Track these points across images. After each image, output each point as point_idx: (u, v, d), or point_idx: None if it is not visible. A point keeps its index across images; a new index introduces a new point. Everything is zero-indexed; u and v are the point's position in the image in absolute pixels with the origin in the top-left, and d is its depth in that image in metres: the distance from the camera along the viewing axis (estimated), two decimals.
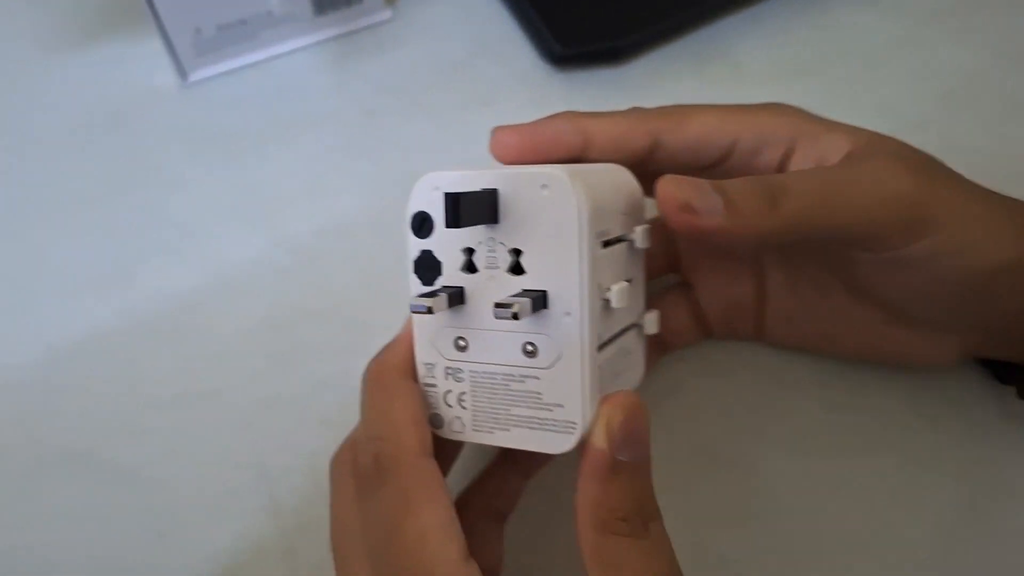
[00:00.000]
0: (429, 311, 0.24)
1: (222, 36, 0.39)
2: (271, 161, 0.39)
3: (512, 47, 0.42)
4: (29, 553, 0.31)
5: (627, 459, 0.24)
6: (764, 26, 0.43)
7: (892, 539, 0.31)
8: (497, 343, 0.25)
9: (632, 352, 0.28)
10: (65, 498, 0.32)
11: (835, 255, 0.30)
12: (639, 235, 0.27)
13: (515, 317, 0.23)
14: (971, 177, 0.28)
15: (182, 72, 0.40)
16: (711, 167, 0.29)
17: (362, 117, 0.41)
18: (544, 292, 0.24)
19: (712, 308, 0.33)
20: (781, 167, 0.29)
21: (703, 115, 0.29)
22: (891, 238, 0.27)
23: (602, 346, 0.25)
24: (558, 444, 0.25)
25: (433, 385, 0.26)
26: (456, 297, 0.25)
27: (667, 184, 0.25)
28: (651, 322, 0.29)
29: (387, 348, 0.27)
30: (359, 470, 0.26)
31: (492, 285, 0.25)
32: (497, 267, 0.25)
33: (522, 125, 0.28)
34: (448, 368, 0.26)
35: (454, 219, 0.23)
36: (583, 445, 0.24)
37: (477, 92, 0.41)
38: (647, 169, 0.29)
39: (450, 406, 0.26)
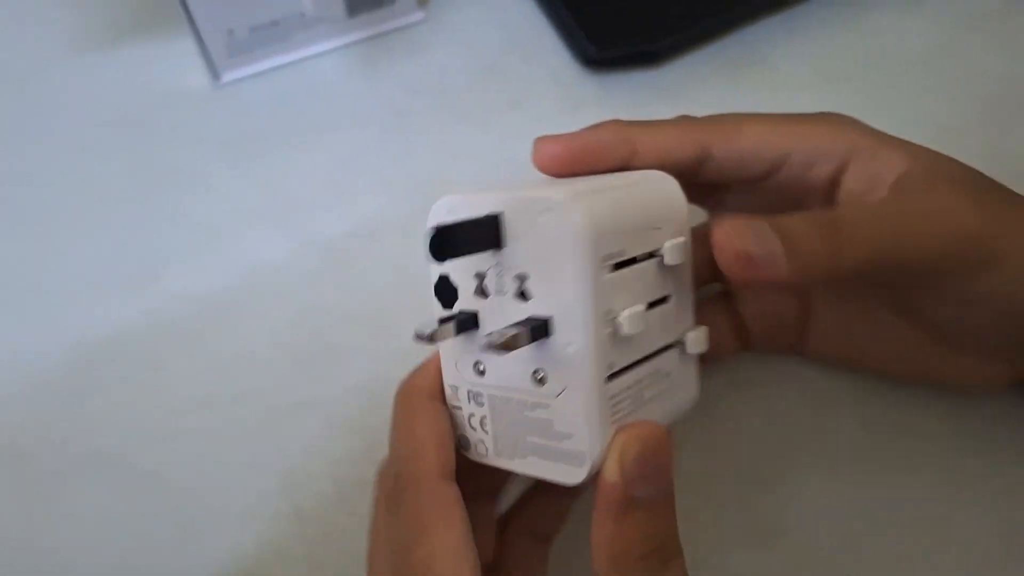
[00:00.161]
0: (429, 340, 0.24)
1: (255, 37, 0.39)
2: (301, 162, 0.39)
3: (545, 49, 0.42)
4: (54, 555, 0.31)
5: (644, 495, 0.22)
6: (801, 30, 0.42)
7: (927, 565, 0.30)
8: (510, 369, 0.25)
9: (672, 373, 0.26)
10: (90, 500, 0.32)
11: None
12: (669, 251, 0.25)
13: (505, 349, 0.22)
14: (1013, 187, 0.27)
15: (215, 73, 0.40)
16: (761, 179, 0.28)
17: (393, 119, 0.40)
18: (548, 319, 0.23)
19: (754, 320, 0.32)
20: (834, 182, 0.27)
21: (755, 125, 0.28)
22: (955, 275, 0.26)
23: (616, 374, 0.24)
24: (570, 475, 0.24)
25: (459, 407, 0.26)
26: (469, 322, 0.25)
27: (723, 232, 0.23)
28: (696, 340, 0.26)
29: (418, 368, 0.27)
30: (385, 489, 0.26)
31: (501, 310, 0.24)
32: (505, 292, 0.24)
33: (565, 135, 0.27)
34: (470, 391, 0.26)
35: (435, 254, 0.22)
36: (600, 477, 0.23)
37: (509, 94, 0.41)
38: (695, 180, 0.28)
39: (474, 429, 0.26)
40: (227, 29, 0.38)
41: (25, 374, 0.34)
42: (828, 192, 0.28)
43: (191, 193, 0.38)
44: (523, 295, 0.24)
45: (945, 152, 0.28)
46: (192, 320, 0.35)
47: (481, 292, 0.25)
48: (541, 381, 0.24)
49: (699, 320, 0.27)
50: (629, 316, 0.23)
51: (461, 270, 0.25)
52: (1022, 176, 0.28)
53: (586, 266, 0.22)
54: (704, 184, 0.29)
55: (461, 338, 0.25)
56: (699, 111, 0.29)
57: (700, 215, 0.33)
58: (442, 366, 0.26)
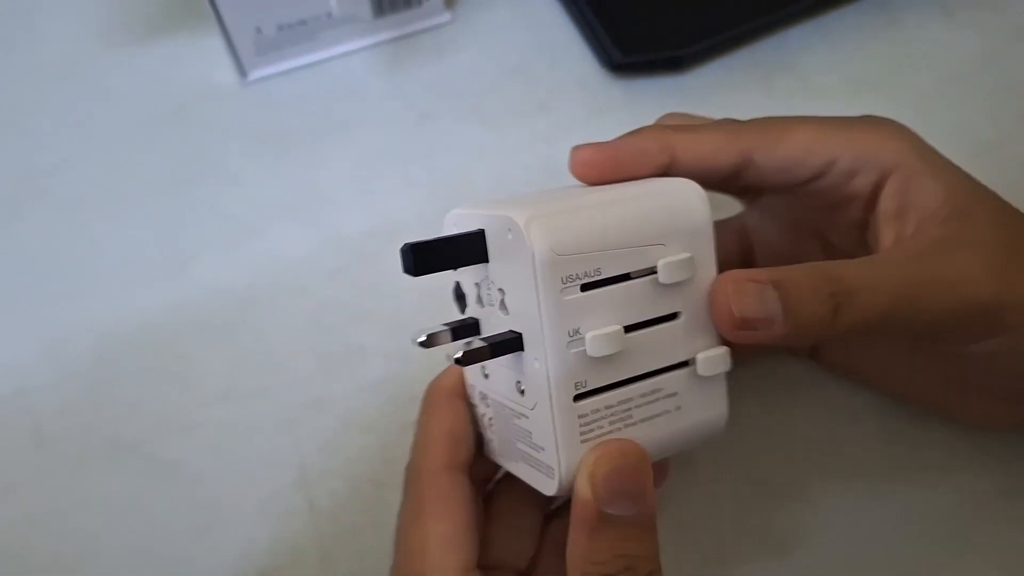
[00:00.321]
0: (423, 345, 0.24)
1: (282, 36, 0.39)
2: (326, 161, 0.39)
3: (572, 53, 0.42)
4: (71, 540, 0.32)
5: (617, 513, 0.22)
6: (833, 37, 0.42)
7: None
8: (502, 377, 0.25)
9: (681, 394, 0.25)
10: (110, 488, 0.33)
11: None
12: (665, 269, 0.24)
13: (458, 363, 0.24)
14: None
15: (242, 70, 0.40)
16: (802, 185, 0.28)
17: (418, 120, 0.40)
18: (520, 334, 0.24)
19: None
20: (874, 193, 0.27)
21: (800, 132, 0.27)
22: (958, 339, 0.25)
23: (591, 392, 0.24)
24: (546, 486, 0.24)
25: (476, 406, 0.27)
26: (471, 329, 0.26)
27: (722, 292, 0.24)
28: (711, 362, 0.25)
29: (448, 368, 0.28)
30: (405, 477, 0.27)
31: (493, 321, 0.25)
32: (493, 304, 0.25)
33: (603, 143, 0.27)
34: (481, 393, 0.27)
35: (406, 269, 0.24)
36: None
37: (535, 98, 0.41)
38: (736, 184, 0.28)
39: (487, 428, 0.27)
40: (255, 27, 0.38)
41: (53, 361, 0.35)
42: (869, 201, 0.27)
43: (218, 188, 0.39)
44: (505, 308, 0.24)
45: (984, 169, 0.27)
46: (215, 313, 0.36)
47: (479, 301, 0.26)
48: (522, 393, 0.24)
49: None
50: (594, 338, 0.23)
51: (467, 279, 0.26)
52: None
53: (542, 287, 0.23)
54: (745, 188, 0.29)
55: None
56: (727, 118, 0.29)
57: (730, 208, 0.33)
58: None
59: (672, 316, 0.25)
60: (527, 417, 0.24)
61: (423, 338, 0.25)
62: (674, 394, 0.25)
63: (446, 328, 0.25)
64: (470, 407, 0.28)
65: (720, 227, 0.32)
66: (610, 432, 0.24)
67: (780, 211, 0.31)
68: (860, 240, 0.29)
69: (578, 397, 0.23)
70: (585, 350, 0.23)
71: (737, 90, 0.40)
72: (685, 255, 0.24)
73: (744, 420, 0.32)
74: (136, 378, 0.35)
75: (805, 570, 0.30)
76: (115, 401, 0.34)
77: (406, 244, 0.24)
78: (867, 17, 0.42)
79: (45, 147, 0.40)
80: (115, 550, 0.32)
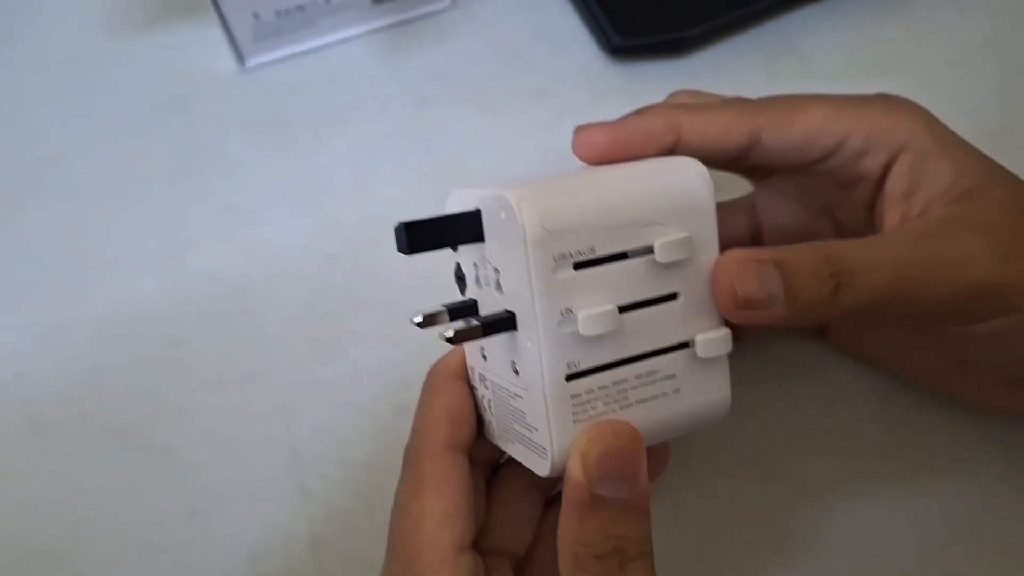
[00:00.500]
0: (420, 325, 0.24)
1: (280, 22, 0.39)
2: (324, 148, 0.39)
3: (572, 38, 0.41)
4: (65, 525, 0.32)
5: (609, 494, 0.22)
6: (837, 20, 0.41)
7: (950, 570, 0.29)
8: (499, 358, 0.25)
9: (680, 376, 0.25)
10: (104, 473, 0.33)
11: None
12: (663, 248, 0.23)
13: (449, 341, 0.23)
14: None
15: (240, 57, 0.40)
16: (812, 164, 0.27)
17: (417, 106, 0.40)
18: (514, 314, 0.24)
19: None
20: (884, 174, 0.26)
21: (811, 111, 0.26)
22: (961, 320, 0.25)
23: (584, 373, 0.23)
24: (539, 467, 0.24)
25: (476, 388, 0.27)
26: (469, 310, 0.25)
27: (725, 271, 0.23)
28: (710, 344, 0.24)
29: (450, 351, 0.28)
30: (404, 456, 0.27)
31: (490, 301, 0.25)
32: (489, 284, 0.25)
33: (608, 123, 0.26)
34: (480, 374, 0.27)
35: (400, 247, 0.24)
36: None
37: (534, 83, 0.40)
38: (744, 163, 0.27)
39: (486, 410, 0.27)
40: (252, 13, 0.38)
41: (50, 348, 0.35)
42: (879, 181, 0.27)
43: (216, 175, 0.39)
44: (500, 288, 0.24)
45: (992, 153, 0.26)
46: (210, 300, 0.36)
47: (477, 282, 0.25)
48: (517, 373, 0.24)
49: None
50: (586, 317, 0.23)
51: (466, 260, 0.26)
52: None
53: (533, 265, 0.22)
54: (753, 167, 0.29)
55: None
56: None
57: (738, 189, 0.32)
58: (466, 348, 0.27)
59: (671, 297, 0.24)
60: (522, 398, 0.24)
61: (420, 318, 0.25)
62: (672, 376, 0.24)
63: (443, 309, 0.25)
64: (471, 389, 0.27)
65: (729, 207, 0.32)
66: (604, 413, 0.24)
67: (790, 191, 0.31)
68: (869, 221, 0.28)
69: (571, 377, 0.23)
70: (578, 329, 0.23)
71: (739, 73, 0.40)
72: (683, 235, 0.24)
73: (742, 403, 0.32)
74: (131, 364, 0.35)
75: (802, 555, 0.29)
76: (110, 387, 0.34)
77: (400, 222, 0.24)
78: (873, 0, 0.42)
79: (46, 137, 0.40)
80: (108, 535, 0.32)
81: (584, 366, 0.23)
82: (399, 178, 0.38)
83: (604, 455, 0.22)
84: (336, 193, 0.38)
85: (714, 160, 0.26)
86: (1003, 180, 0.26)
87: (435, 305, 0.25)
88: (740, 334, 0.31)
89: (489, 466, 0.28)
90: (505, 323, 0.24)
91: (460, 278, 0.27)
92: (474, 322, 0.24)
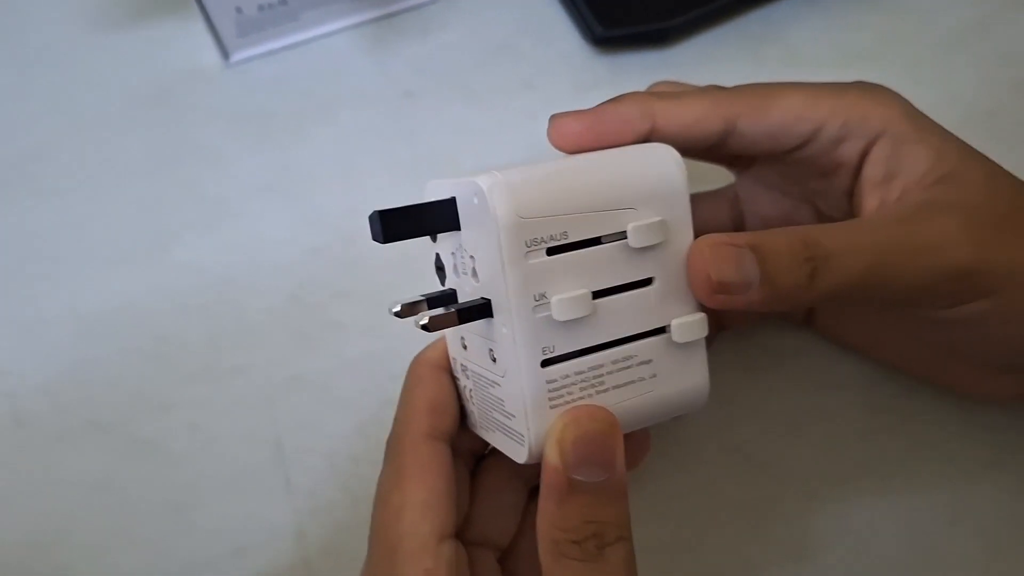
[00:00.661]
0: (398, 315, 0.25)
1: (263, 16, 0.39)
2: (308, 141, 0.39)
3: (556, 30, 0.41)
4: (46, 519, 0.32)
5: (585, 479, 0.22)
6: (822, 9, 0.41)
7: (935, 556, 0.29)
8: (477, 346, 0.25)
9: (656, 362, 0.25)
10: (87, 466, 0.33)
11: None
12: (635, 233, 0.23)
13: (424, 328, 0.23)
14: None
15: (224, 52, 0.40)
16: (789, 152, 0.27)
17: (402, 99, 0.40)
18: (489, 301, 0.24)
19: None
20: (861, 159, 0.26)
21: (787, 99, 0.26)
22: (937, 303, 0.25)
23: (560, 359, 0.23)
24: (518, 454, 0.24)
25: (458, 378, 0.27)
26: (448, 299, 0.26)
27: (700, 255, 0.23)
28: (686, 328, 0.24)
29: (434, 341, 0.28)
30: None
31: (467, 289, 0.25)
32: (467, 273, 0.25)
33: (583, 112, 0.26)
34: (462, 365, 0.27)
35: (375, 236, 0.24)
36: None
37: (519, 75, 0.40)
38: (721, 151, 0.27)
39: (468, 400, 0.27)
40: (235, 8, 0.38)
41: (33, 341, 0.35)
42: (857, 168, 0.27)
43: (199, 169, 0.38)
44: (476, 275, 0.24)
45: (976, 139, 0.26)
46: (195, 292, 0.36)
47: (455, 271, 0.26)
48: (494, 360, 0.24)
49: None
50: (559, 301, 0.23)
51: (445, 250, 0.26)
52: None
53: (506, 250, 0.22)
54: (730, 156, 0.28)
55: None
56: None
57: (720, 180, 0.32)
58: (447, 339, 0.27)
59: (646, 282, 0.24)
60: (499, 385, 0.24)
61: (397, 308, 0.25)
62: (648, 361, 0.24)
63: (422, 298, 0.25)
64: (453, 380, 0.27)
65: (712, 197, 0.32)
66: (580, 399, 0.24)
67: (771, 180, 0.31)
68: (849, 209, 0.28)
69: (546, 363, 0.23)
70: (551, 314, 0.23)
71: (724, 63, 0.40)
72: (656, 219, 0.24)
73: (726, 389, 0.32)
74: (114, 357, 0.34)
75: (786, 542, 0.29)
76: (93, 380, 0.34)
77: (375, 211, 0.24)
78: None
79: (28, 131, 0.40)
80: (92, 528, 0.32)
81: (559, 351, 0.23)
82: (384, 171, 0.38)
83: (580, 439, 0.22)
84: (321, 186, 0.38)
85: (690, 148, 0.26)
86: (980, 165, 0.26)
87: (414, 295, 0.25)
88: (724, 323, 0.31)
89: (473, 457, 0.28)
90: (480, 310, 0.24)
91: (440, 268, 0.27)
92: (450, 309, 0.23)
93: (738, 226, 0.32)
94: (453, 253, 0.25)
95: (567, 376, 0.23)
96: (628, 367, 0.24)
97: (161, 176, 0.38)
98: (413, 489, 0.24)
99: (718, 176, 0.33)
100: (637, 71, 0.40)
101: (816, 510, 0.30)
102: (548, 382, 0.23)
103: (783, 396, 0.32)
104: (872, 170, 0.26)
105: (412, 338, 0.28)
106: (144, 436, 0.33)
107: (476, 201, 0.23)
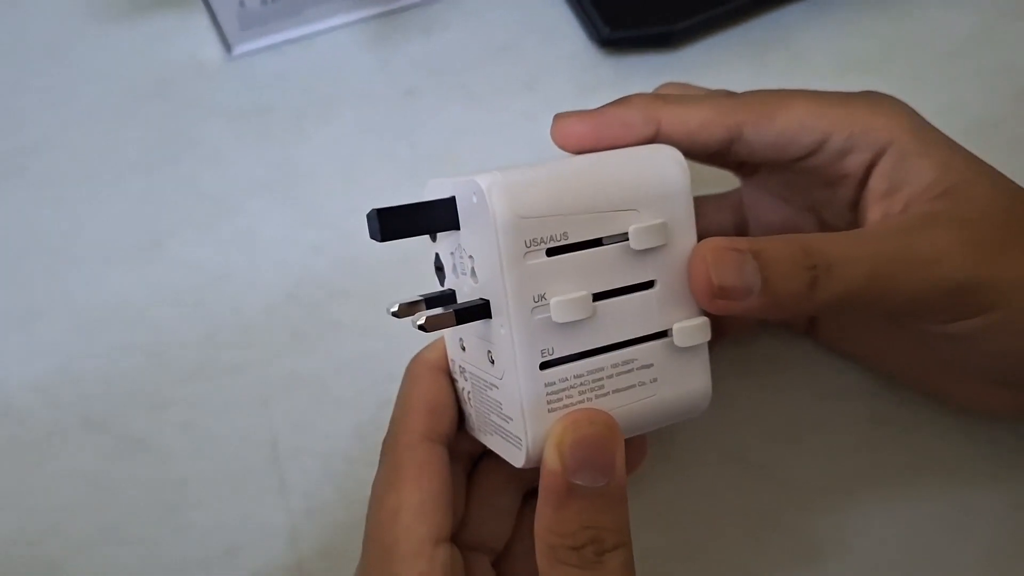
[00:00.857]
0: (395, 315, 0.24)
1: (267, 10, 0.39)
2: (309, 137, 0.39)
3: (561, 30, 0.41)
4: (37, 515, 0.31)
5: (584, 483, 0.22)
6: (828, 15, 0.41)
7: (935, 569, 0.28)
8: (476, 347, 0.25)
9: (657, 366, 0.24)
10: (79, 464, 0.32)
11: None
12: (636, 235, 0.23)
13: (421, 328, 0.23)
14: None
15: (226, 45, 0.40)
16: (795, 162, 0.27)
17: (403, 97, 0.40)
18: (487, 301, 0.23)
19: None
20: (867, 171, 0.26)
21: (793, 108, 0.26)
22: (936, 317, 0.25)
23: (559, 361, 0.23)
24: (516, 458, 0.24)
25: (456, 380, 0.27)
26: (447, 300, 0.25)
27: (701, 259, 0.23)
28: (687, 332, 0.24)
29: (433, 342, 0.28)
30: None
31: (466, 290, 0.24)
32: (466, 273, 0.24)
33: (587, 112, 0.26)
34: (460, 366, 0.26)
35: (372, 234, 0.24)
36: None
37: (522, 75, 0.40)
38: (725, 158, 0.27)
39: (466, 402, 0.27)
40: (238, 1, 0.38)
41: (26, 336, 0.34)
42: (862, 181, 0.27)
43: (198, 164, 0.38)
44: (475, 275, 0.24)
45: (978, 149, 0.26)
46: (191, 289, 0.35)
47: (454, 271, 0.25)
48: (492, 362, 0.24)
49: None
50: (559, 303, 0.22)
51: (444, 250, 0.26)
52: None
53: (504, 250, 0.22)
54: (734, 162, 0.28)
55: None
56: None
57: (725, 183, 0.32)
58: (446, 340, 0.27)
59: (647, 285, 0.24)
60: (497, 387, 0.24)
61: (395, 308, 0.25)
62: (649, 365, 0.24)
63: (420, 299, 0.25)
64: (451, 381, 0.27)
65: (716, 201, 0.32)
66: (580, 403, 0.23)
67: (776, 188, 0.30)
68: (853, 220, 0.28)
69: (545, 365, 0.23)
70: (551, 316, 0.22)
71: (729, 68, 0.40)
72: (658, 221, 0.23)
73: (728, 398, 0.32)
74: (108, 354, 0.34)
75: (786, 551, 0.29)
76: (86, 377, 0.34)
77: (373, 209, 0.23)
78: None
79: (26, 124, 0.39)
80: (84, 526, 0.31)
81: (558, 354, 0.23)
82: (384, 169, 0.38)
83: (579, 443, 0.22)
84: (320, 183, 0.38)
85: (694, 154, 0.26)
86: (987, 178, 0.26)
87: (412, 295, 0.25)
88: (724, 331, 0.31)
89: (469, 460, 0.28)
90: (479, 310, 0.23)
91: (439, 268, 0.26)
92: (447, 310, 0.23)
93: (741, 231, 0.32)
94: (452, 253, 0.25)
95: (566, 379, 0.23)
96: (629, 371, 0.24)
97: (159, 171, 0.38)
98: (409, 492, 0.24)
99: (723, 180, 0.33)
100: (641, 74, 0.40)
101: (816, 520, 0.30)
102: (546, 385, 0.23)
103: (785, 405, 0.31)
104: (877, 183, 0.26)
105: (410, 339, 0.27)
106: (138, 434, 0.32)
107: (475, 200, 0.23)
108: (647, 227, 0.23)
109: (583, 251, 0.23)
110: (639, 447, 0.27)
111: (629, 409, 0.24)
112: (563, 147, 0.26)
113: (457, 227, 0.24)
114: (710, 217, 0.31)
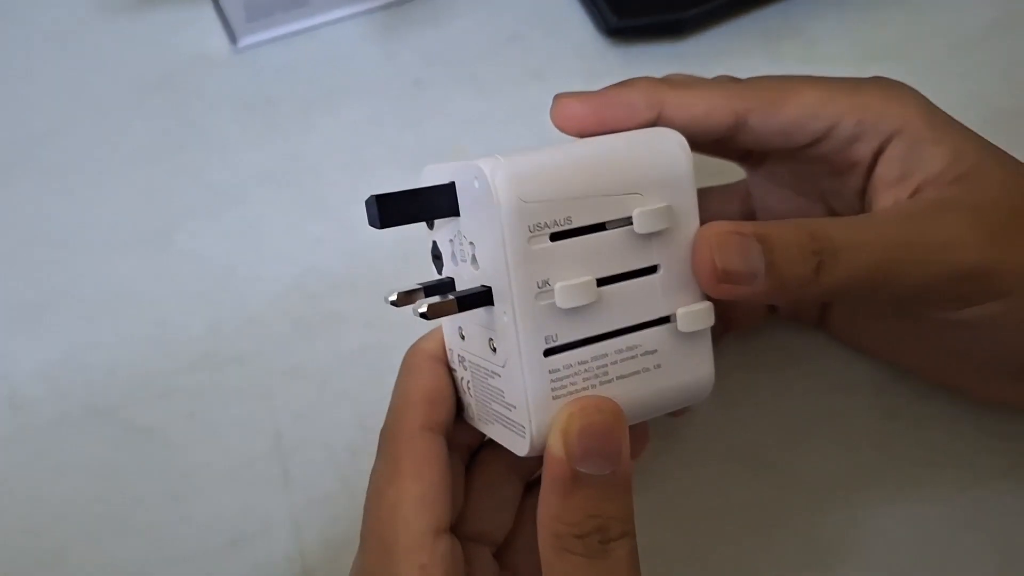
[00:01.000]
0: (394, 304, 0.24)
1: (272, 1, 0.39)
2: (315, 129, 0.39)
3: (568, 19, 0.41)
4: (41, 504, 0.31)
5: (590, 471, 0.22)
6: (844, 3, 0.40)
7: (948, 565, 0.28)
8: (476, 336, 0.24)
9: (662, 352, 0.24)
10: (84, 453, 0.32)
11: None
12: (640, 218, 0.23)
13: (423, 316, 0.23)
14: None
15: (232, 37, 0.40)
16: (801, 149, 0.26)
17: (410, 88, 0.39)
18: (490, 288, 0.23)
19: None
20: (875, 158, 0.26)
21: (801, 95, 0.25)
22: (946, 304, 0.24)
23: (563, 348, 0.23)
24: (518, 446, 0.23)
25: (455, 370, 0.26)
26: (446, 288, 0.25)
27: (706, 243, 0.22)
28: (691, 318, 0.24)
29: (430, 331, 0.27)
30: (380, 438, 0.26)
31: (466, 277, 0.24)
32: (466, 260, 0.24)
33: (588, 94, 0.26)
34: (459, 356, 0.26)
35: (371, 221, 0.23)
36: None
37: (530, 65, 0.40)
38: (730, 146, 0.27)
39: (465, 392, 0.26)
40: None
41: (31, 325, 0.34)
42: (870, 168, 0.26)
43: (204, 155, 0.38)
44: (476, 262, 0.23)
45: (999, 138, 0.26)
46: (197, 280, 0.35)
47: (453, 259, 0.25)
48: (494, 350, 0.23)
49: None
50: (563, 288, 0.22)
51: (442, 237, 0.25)
52: None
53: (508, 235, 0.22)
54: (739, 150, 0.28)
55: None
56: None
57: (728, 175, 0.32)
58: (444, 330, 0.27)
59: (651, 270, 0.24)
60: (499, 375, 0.24)
61: (394, 296, 0.24)
62: (654, 351, 0.24)
63: (419, 287, 0.25)
64: (450, 371, 0.27)
65: (722, 192, 0.32)
66: (584, 389, 0.23)
67: (784, 177, 0.30)
68: (862, 209, 0.27)
69: (549, 352, 0.23)
70: (555, 302, 0.22)
71: (740, 57, 0.39)
72: (662, 204, 0.23)
73: (737, 391, 0.31)
74: (114, 343, 0.34)
75: (792, 547, 0.28)
76: (92, 366, 0.34)
77: (371, 195, 0.23)
78: None
79: (35, 114, 0.39)
80: (86, 515, 0.31)
81: (562, 340, 0.23)
82: (391, 160, 0.38)
83: (585, 431, 0.22)
84: (326, 175, 0.37)
85: (698, 141, 0.25)
86: (1001, 164, 0.25)
87: (410, 283, 0.25)
88: (731, 323, 0.30)
89: (468, 451, 0.28)
90: (481, 297, 0.23)
91: (437, 257, 0.26)
92: (449, 297, 0.23)
93: (750, 218, 0.31)
94: (451, 240, 0.25)
95: (570, 366, 0.23)
96: (633, 357, 0.24)
97: (166, 161, 0.38)
98: (408, 483, 0.24)
99: (730, 172, 0.32)
100: (650, 63, 0.39)
101: (826, 515, 0.29)
102: (551, 372, 0.22)
103: (795, 398, 0.31)
104: (886, 170, 0.25)
105: (414, 330, 0.27)
106: (142, 423, 0.32)
107: (477, 185, 0.22)
108: (651, 211, 0.23)
109: (587, 236, 0.23)
110: (640, 435, 0.27)
111: (633, 396, 0.23)
112: (563, 129, 0.26)
113: (457, 213, 0.24)
114: (716, 207, 0.30)
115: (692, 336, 0.24)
